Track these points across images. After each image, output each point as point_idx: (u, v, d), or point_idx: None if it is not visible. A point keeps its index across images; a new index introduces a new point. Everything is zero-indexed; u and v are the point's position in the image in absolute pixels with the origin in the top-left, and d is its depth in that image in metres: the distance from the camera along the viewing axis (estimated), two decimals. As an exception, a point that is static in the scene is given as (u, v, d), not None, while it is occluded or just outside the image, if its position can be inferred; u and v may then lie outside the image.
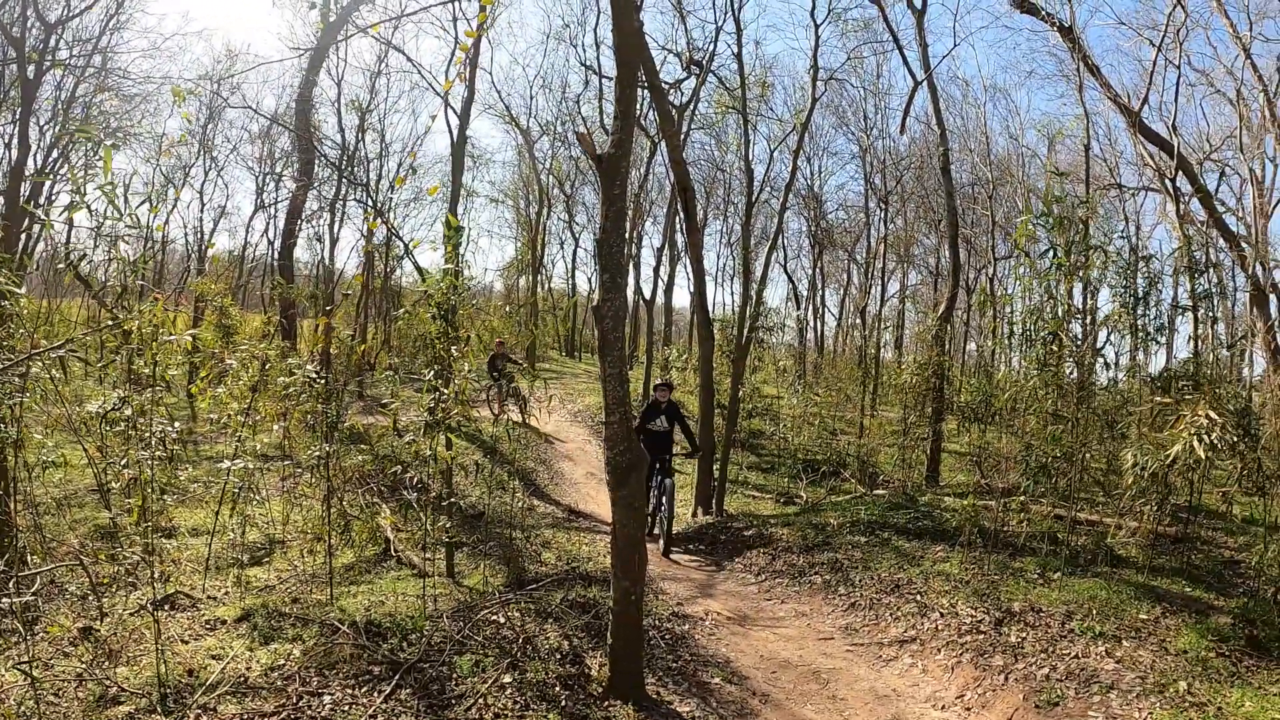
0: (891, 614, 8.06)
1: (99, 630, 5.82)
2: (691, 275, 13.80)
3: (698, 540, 11.74)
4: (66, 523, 8.45)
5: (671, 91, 19.35)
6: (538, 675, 5.60)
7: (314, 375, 8.02)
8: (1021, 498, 9.56)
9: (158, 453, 6.14)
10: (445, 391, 7.38)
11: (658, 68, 14.23)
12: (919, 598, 8.16)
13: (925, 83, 16.80)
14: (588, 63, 27.49)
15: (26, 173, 17.31)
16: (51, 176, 24.10)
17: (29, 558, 6.73)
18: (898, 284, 36.37)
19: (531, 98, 46.90)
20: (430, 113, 38.36)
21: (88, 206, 6.07)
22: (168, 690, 4.91)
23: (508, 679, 5.50)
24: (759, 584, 9.58)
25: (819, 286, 39.95)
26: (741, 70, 16.28)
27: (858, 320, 34.43)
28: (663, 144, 17.40)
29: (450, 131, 16.61)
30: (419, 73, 27.52)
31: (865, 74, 27.99)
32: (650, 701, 5.66)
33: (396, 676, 5.27)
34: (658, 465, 11.60)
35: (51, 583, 6.87)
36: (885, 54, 24.88)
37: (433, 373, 7.44)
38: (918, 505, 11.58)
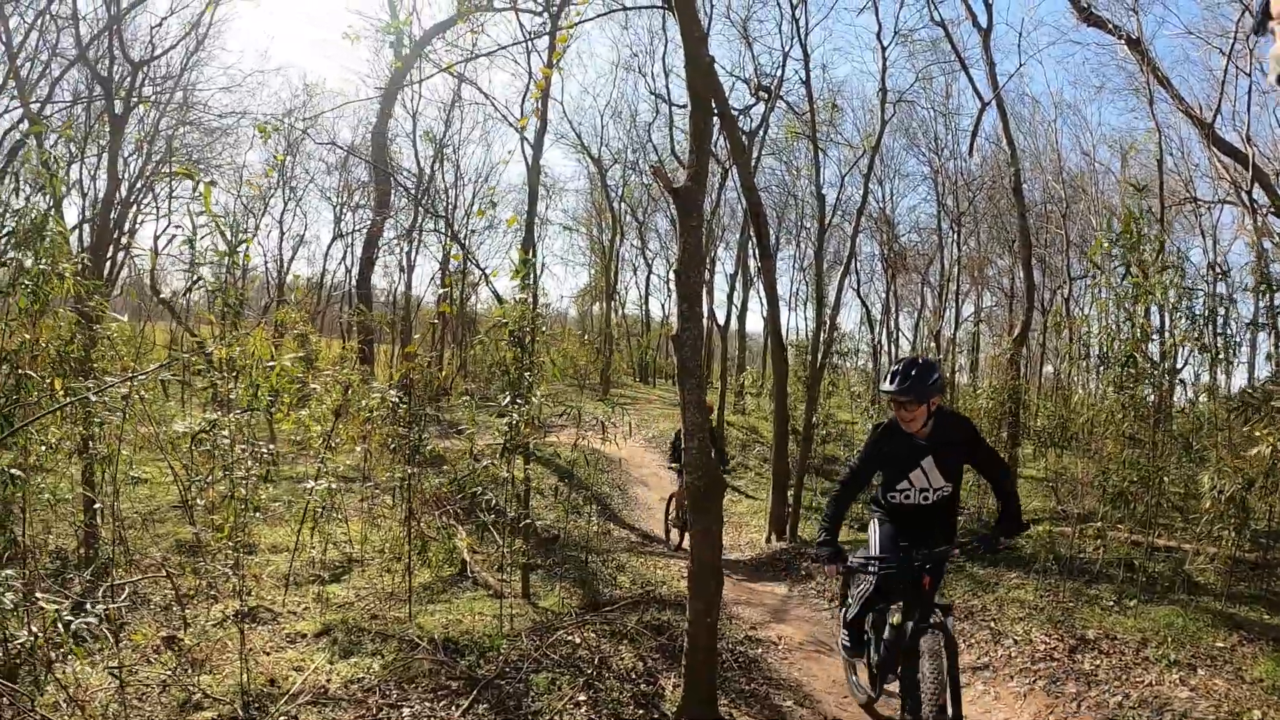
0: (965, 641, 7.97)
1: (183, 640, 6.06)
2: (765, 301, 13.85)
3: (772, 566, 11.73)
4: (150, 537, 8.74)
5: (741, 117, 19.49)
6: (612, 694, 5.66)
7: (397, 400, 8.26)
8: (1098, 523, 9.40)
9: (251, 472, 6.39)
10: (521, 416, 7.55)
11: (727, 95, 14.38)
12: (993, 625, 8.06)
13: (993, 102, 16.54)
14: (657, 91, 27.87)
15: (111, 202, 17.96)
16: (136, 206, 25.08)
17: (114, 570, 7.04)
18: (972, 306, 35.86)
19: (602, 126, 47.58)
20: (503, 143, 39.04)
21: (190, 241, 6.40)
22: (250, 698, 5.10)
23: (582, 697, 5.57)
24: (832, 610, 9.52)
25: (893, 310, 39.52)
26: (810, 96, 16.35)
27: (932, 344, 33.89)
28: (734, 170, 17.49)
29: (525, 160, 16.96)
30: (493, 106, 28.09)
31: (934, 95, 27.62)
32: (723, 722, 5.70)
33: (474, 692, 5.37)
34: (924, 587, 5.13)
35: (135, 593, 7.14)
36: (953, 74, 24.60)
37: (509, 398, 7.62)
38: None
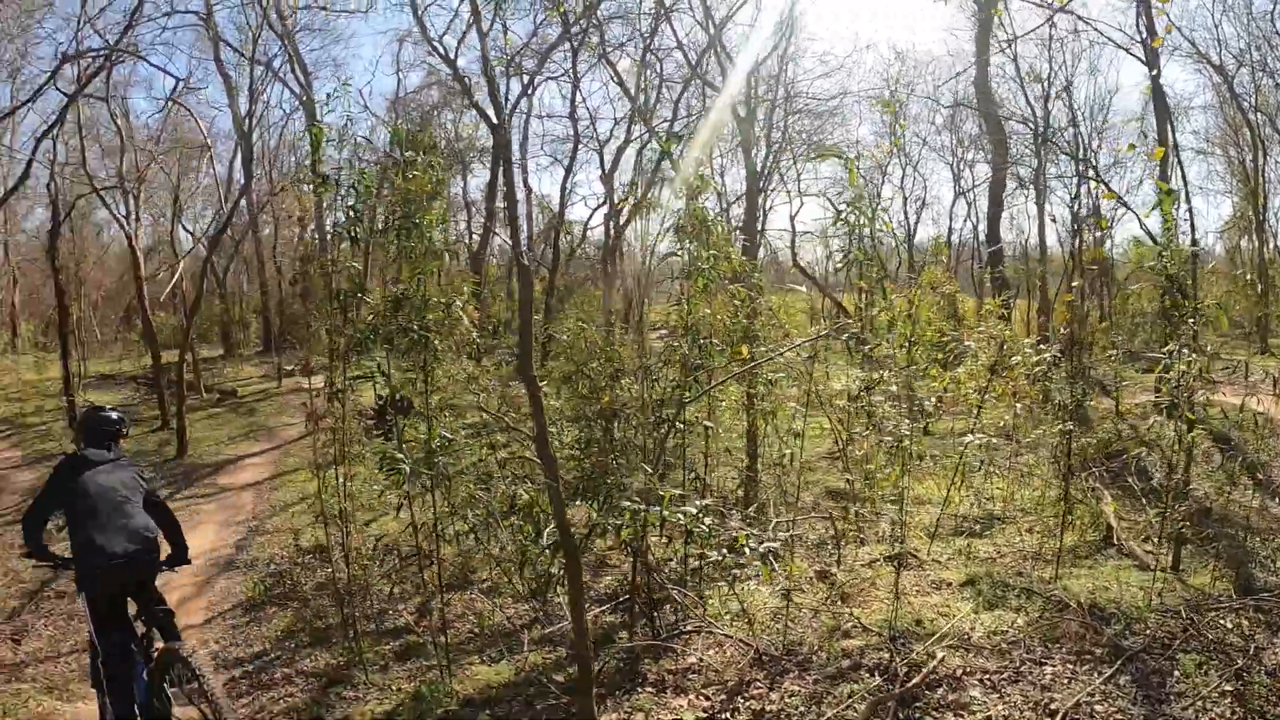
0: None
1: (835, 575, 6.79)
2: None
3: None
4: (803, 483, 9.69)
5: None
6: (1260, 690, 5.12)
7: (1058, 355, 8.26)
8: None
9: (913, 426, 6.97)
10: (1187, 369, 6.85)
11: None
12: None
13: None
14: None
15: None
16: (764, 193, 28.00)
17: (769, 508, 8.08)
18: None
19: (1215, 25, 39.72)
20: (1114, 69, 35.65)
21: (838, 215, 7.12)
22: (895, 633, 5.62)
23: (1229, 688, 5.20)
24: None
25: None
26: None
27: None
28: None
29: (1146, 84, 15.51)
30: (1094, 29, 25.54)
31: None
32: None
33: (1118, 662, 5.32)
34: None
35: (790, 531, 8.13)
36: None
37: (1172, 351, 6.92)
38: None
